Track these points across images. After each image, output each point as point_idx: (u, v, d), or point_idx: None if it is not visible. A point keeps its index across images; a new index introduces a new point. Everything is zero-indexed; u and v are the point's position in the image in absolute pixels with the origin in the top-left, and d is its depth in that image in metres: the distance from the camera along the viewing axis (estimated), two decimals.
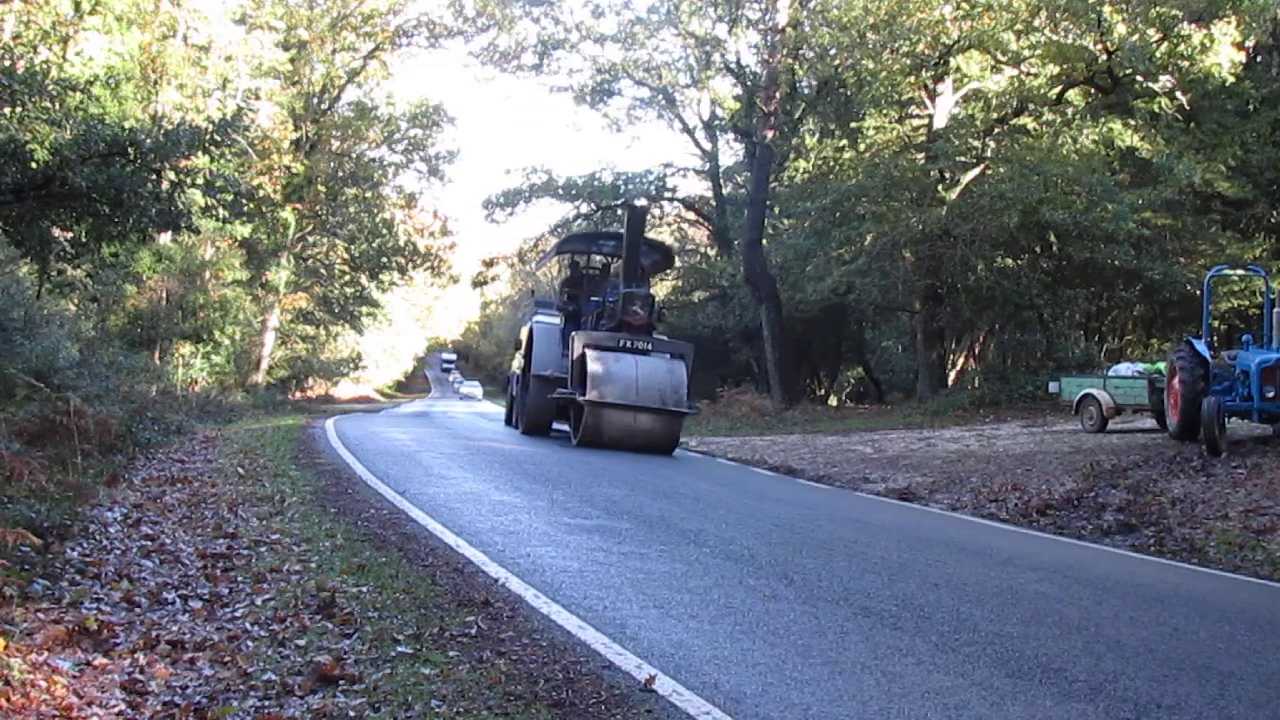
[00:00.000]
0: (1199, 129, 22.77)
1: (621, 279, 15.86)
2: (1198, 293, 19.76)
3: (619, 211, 31.60)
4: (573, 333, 15.67)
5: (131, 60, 22.45)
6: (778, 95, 30.18)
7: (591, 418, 14.42)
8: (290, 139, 34.43)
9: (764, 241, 31.12)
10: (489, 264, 39.29)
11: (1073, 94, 25.00)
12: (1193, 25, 21.35)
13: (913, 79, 26.17)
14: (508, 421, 21.00)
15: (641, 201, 30.75)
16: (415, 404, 50.98)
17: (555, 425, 17.45)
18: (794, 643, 4.64)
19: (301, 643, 4.43)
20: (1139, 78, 22.68)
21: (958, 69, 25.80)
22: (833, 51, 27.76)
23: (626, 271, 15.70)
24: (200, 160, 11.42)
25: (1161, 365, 16.93)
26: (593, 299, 17.38)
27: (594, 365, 14.43)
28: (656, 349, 15.10)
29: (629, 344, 14.82)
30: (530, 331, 17.81)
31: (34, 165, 9.36)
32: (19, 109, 9.68)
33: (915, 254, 25.56)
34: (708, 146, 36.51)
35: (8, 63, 9.88)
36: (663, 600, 5.32)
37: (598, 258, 19.81)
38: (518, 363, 19.63)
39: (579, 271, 19.29)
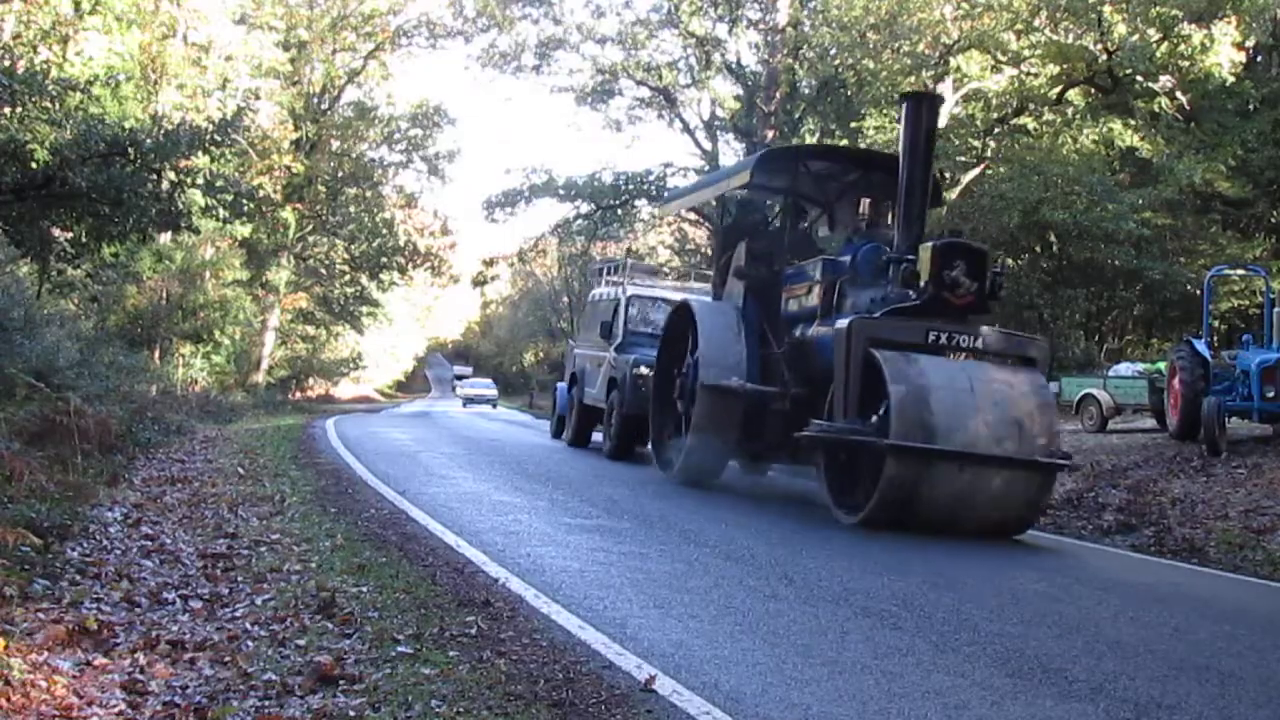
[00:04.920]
0: (1199, 129, 22.76)
1: (899, 224, 9.37)
2: (1198, 293, 19.74)
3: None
4: (841, 321, 8.84)
5: (131, 60, 22.43)
6: (778, 95, 30.15)
7: (902, 479, 7.99)
8: (290, 139, 34.42)
9: None
10: (489, 264, 39.28)
11: (1073, 94, 24.97)
12: (1193, 25, 21.33)
13: (913, 79, 26.13)
14: (574, 440, 15.40)
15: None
16: (415, 404, 51.02)
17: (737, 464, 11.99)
18: (794, 642, 4.63)
19: (301, 643, 4.43)
20: (1139, 78, 22.66)
21: (958, 69, 25.76)
22: (833, 51, 27.74)
23: (908, 211, 9.20)
24: (200, 160, 11.45)
25: (1161, 365, 16.93)
26: (828, 259, 10.19)
27: (899, 380, 8.12)
28: (995, 347, 8.80)
29: (950, 340, 8.60)
30: (689, 313, 11.06)
31: (34, 165, 9.39)
32: (19, 109, 9.70)
33: None
34: (708, 146, 36.44)
35: (8, 63, 9.91)
36: (663, 600, 5.31)
37: (760, 199, 12.73)
38: (610, 357, 13.81)
39: (756, 215, 12.29)
